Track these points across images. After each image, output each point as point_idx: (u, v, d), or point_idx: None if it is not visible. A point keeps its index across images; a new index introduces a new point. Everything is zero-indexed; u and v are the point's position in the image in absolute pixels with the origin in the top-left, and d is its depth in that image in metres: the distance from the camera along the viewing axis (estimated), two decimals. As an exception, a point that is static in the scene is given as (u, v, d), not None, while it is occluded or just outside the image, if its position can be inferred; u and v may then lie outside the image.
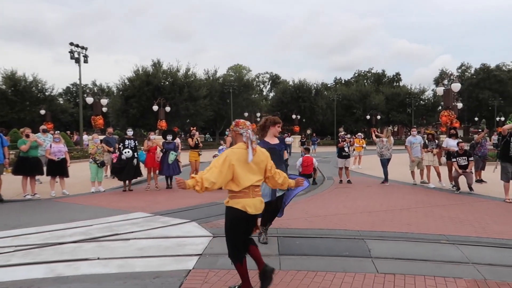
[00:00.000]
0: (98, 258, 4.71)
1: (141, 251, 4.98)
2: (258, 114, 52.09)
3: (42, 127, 12.38)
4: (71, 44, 23.95)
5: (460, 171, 9.99)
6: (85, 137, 28.41)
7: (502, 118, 48.86)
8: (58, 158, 9.93)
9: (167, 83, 39.56)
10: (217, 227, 6.20)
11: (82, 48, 24.65)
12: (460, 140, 11.28)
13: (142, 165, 11.65)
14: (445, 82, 25.70)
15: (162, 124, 31.19)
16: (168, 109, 33.50)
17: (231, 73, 63.52)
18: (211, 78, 48.29)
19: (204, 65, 72.95)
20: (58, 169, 10.03)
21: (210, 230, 6.00)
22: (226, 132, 14.03)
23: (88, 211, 7.79)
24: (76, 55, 24.29)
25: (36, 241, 5.44)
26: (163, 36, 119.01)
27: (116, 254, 4.87)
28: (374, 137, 12.64)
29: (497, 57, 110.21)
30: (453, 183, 10.33)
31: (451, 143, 11.38)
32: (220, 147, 12.23)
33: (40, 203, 9.14)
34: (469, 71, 66.99)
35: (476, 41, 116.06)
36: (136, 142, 10.83)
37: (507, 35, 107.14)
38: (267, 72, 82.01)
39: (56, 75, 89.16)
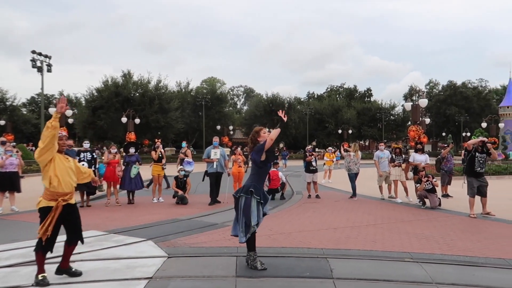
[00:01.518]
0: (33, 285, 4.23)
1: (84, 275, 4.53)
2: (231, 127, 51.87)
3: (1, 138, 11.63)
4: (34, 52, 22.96)
5: (423, 192, 10.00)
6: None
7: (468, 134, 50.73)
8: (7, 170, 9.24)
9: (137, 94, 38.79)
10: (174, 246, 5.81)
11: (46, 56, 23.69)
12: (427, 157, 11.39)
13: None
14: (414, 98, 26.38)
15: (131, 136, 30.34)
16: (137, 121, 32.70)
17: (204, 85, 63.24)
18: (183, 90, 47.82)
19: (180, 78, 72.60)
20: (8, 183, 9.33)
21: (166, 250, 5.60)
22: (183, 144, 13.63)
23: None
24: (38, 64, 23.29)
25: (-33, 265, 4.88)
26: (139, 47, 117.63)
27: (55, 279, 4.40)
28: (342, 151, 12.59)
29: (463, 75, 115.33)
30: (419, 198, 10.33)
31: (417, 158, 11.45)
32: (188, 159, 11.81)
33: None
34: (437, 87, 69.65)
35: (444, 60, 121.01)
36: (93, 154, 10.29)
37: (472, 55, 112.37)
38: (241, 86, 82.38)
39: (23, 85, 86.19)
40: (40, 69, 23.30)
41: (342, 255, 5.33)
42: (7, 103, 43.53)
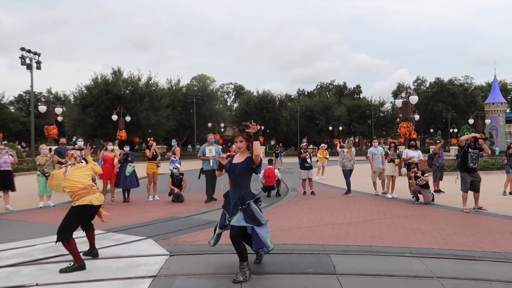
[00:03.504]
0: (37, 284, 4.21)
1: (87, 274, 4.51)
2: (222, 125, 51.75)
3: None
4: (23, 49, 22.58)
5: (417, 187, 10.16)
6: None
7: (455, 130, 51.48)
8: (1, 168, 9.12)
9: (127, 92, 38.41)
10: (175, 244, 5.82)
11: (35, 53, 23.33)
12: (419, 153, 11.54)
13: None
14: (403, 95, 26.66)
15: (122, 134, 30.13)
16: (128, 118, 32.43)
17: (195, 83, 62.93)
18: (174, 87, 47.53)
19: (168, 75, 72.06)
20: (2, 182, 9.21)
21: (167, 248, 5.60)
22: (173, 143, 13.58)
23: (33, 229, 7.13)
24: (27, 61, 22.92)
25: (-34, 266, 4.82)
26: (127, 45, 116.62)
27: (58, 279, 4.38)
28: (337, 148, 12.68)
29: (449, 72, 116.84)
30: (413, 194, 10.48)
31: (411, 154, 11.59)
32: (173, 158, 11.78)
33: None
34: (424, 84, 70.38)
35: (430, 57, 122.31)
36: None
37: (456, 52, 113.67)
38: (231, 83, 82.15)
39: (10, 83, 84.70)
40: (29, 66, 22.94)
41: (343, 251, 5.39)
42: None
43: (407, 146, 12.58)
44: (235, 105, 71.46)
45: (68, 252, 4.80)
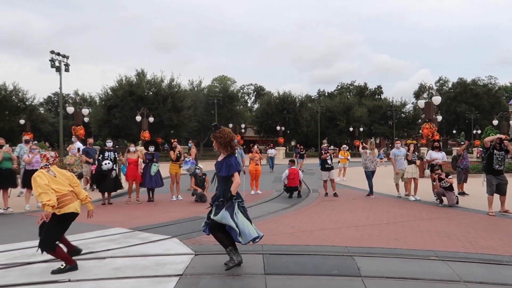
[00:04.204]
0: (69, 280, 4.38)
1: (116, 272, 4.66)
2: (243, 126, 51.99)
3: (25, 137, 11.91)
4: (52, 52, 23.38)
5: (441, 189, 9.99)
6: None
7: (479, 131, 50.09)
8: (33, 167, 9.47)
9: (150, 93, 39.12)
10: (200, 244, 5.92)
11: (64, 56, 24.09)
12: (444, 155, 11.31)
13: (123, 177, 11.30)
14: (425, 95, 26.13)
15: (145, 134, 30.69)
16: (151, 119, 33.01)
17: (216, 84, 63.43)
18: (195, 88, 48.08)
19: (190, 76, 72.97)
20: None
21: (192, 247, 5.71)
22: (189, 144, 13.74)
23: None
24: (57, 64, 23.70)
25: (3, 261, 5.06)
26: (151, 47, 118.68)
27: (90, 275, 4.54)
28: (360, 149, 12.58)
29: (472, 72, 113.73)
30: (436, 196, 10.30)
31: (434, 155, 11.39)
32: (187, 159, 11.94)
33: (12, 217, 8.68)
34: (446, 85, 68.73)
35: (453, 56, 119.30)
36: (116, 154, 10.48)
37: (481, 51, 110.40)
38: (251, 84, 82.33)
39: (40, 85, 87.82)
40: (58, 69, 23.71)
41: (367, 253, 5.38)
42: (27, 103, 44.31)
43: (430, 148, 12.36)
44: (256, 106, 71.64)
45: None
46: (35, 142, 11.33)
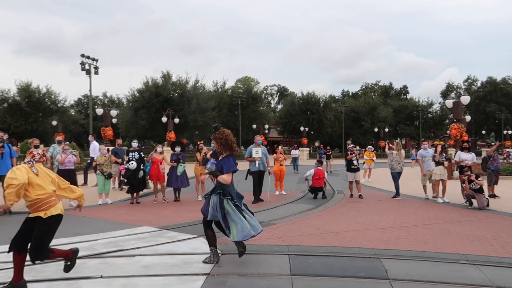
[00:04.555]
0: (101, 277, 4.54)
1: (145, 269, 4.80)
2: (266, 126, 52.04)
3: (58, 138, 12.37)
4: (82, 55, 24.20)
5: (470, 192, 9.72)
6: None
7: (510, 131, 48.26)
8: (66, 167, 9.84)
9: (176, 94, 39.78)
10: (226, 243, 5.99)
11: (93, 59, 24.87)
12: (473, 156, 10.99)
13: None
14: (453, 95, 25.39)
15: (171, 135, 31.22)
16: (177, 120, 33.56)
17: (239, 85, 63.78)
18: (219, 90, 48.49)
19: (214, 77, 73.76)
20: (67, 180, 9.89)
21: (219, 247, 5.78)
22: (212, 144, 13.82)
23: (94, 225, 7.65)
24: (87, 67, 24.51)
25: (40, 257, 5.28)
26: (176, 49, 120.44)
27: (120, 272, 4.69)
28: (387, 150, 12.39)
29: (503, 71, 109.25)
30: (466, 198, 10.03)
31: (463, 156, 11.09)
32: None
33: (46, 215, 9.01)
34: (475, 84, 66.57)
35: (482, 55, 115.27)
36: (141, 153, 10.70)
37: (509, 49, 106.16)
38: (274, 85, 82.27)
39: (70, 87, 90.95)
40: (88, 72, 24.51)
41: (394, 256, 5.31)
42: (59, 105, 45.98)
43: (459, 149, 12.03)
44: (279, 106, 71.57)
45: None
46: (67, 142, 11.72)
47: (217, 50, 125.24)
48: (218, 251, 5.27)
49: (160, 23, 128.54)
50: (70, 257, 4.45)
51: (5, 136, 9.70)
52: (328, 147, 26.15)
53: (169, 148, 13.48)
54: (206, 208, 5.16)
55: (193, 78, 42.92)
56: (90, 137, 13.99)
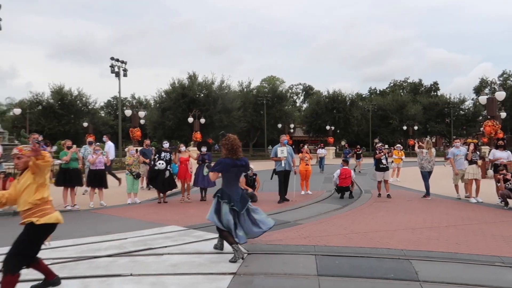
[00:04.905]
0: (131, 275, 4.64)
1: (173, 268, 4.87)
2: (292, 125, 51.80)
3: (89, 139, 12.78)
4: (112, 58, 24.95)
5: (506, 191, 9.33)
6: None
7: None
8: (97, 167, 10.14)
9: (202, 95, 40.26)
10: (252, 243, 6.00)
11: (122, 62, 25.55)
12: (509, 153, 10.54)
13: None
14: (486, 90, 24.40)
15: (197, 135, 31.61)
16: (202, 120, 33.94)
17: (264, 84, 63.79)
18: (245, 90, 48.66)
19: (239, 77, 74.05)
20: (98, 180, 10.23)
21: (245, 246, 5.80)
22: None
23: (124, 223, 7.84)
24: (116, 69, 25.22)
25: (72, 254, 5.46)
26: (202, 50, 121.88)
27: (149, 270, 4.78)
28: (416, 149, 12.07)
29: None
30: (501, 198, 9.63)
31: (498, 155, 10.66)
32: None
33: (79, 214, 9.33)
34: (511, 79, 63.72)
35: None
36: (171, 155, 10.90)
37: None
38: (300, 83, 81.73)
39: (100, 89, 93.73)
40: (117, 74, 25.21)
41: (425, 257, 5.16)
42: (89, 106, 47.56)
43: (494, 146, 11.56)
44: (305, 105, 71.09)
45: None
46: (98, 143, 12.09)
47: (243, 50, 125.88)
48: (243, 249, 5.34)
49: (186, 25, 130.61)
50: (49, 279, 4.03)
51: (40, 138, 10.08)
52: (358, 146, 25.51)
53: (195, 148, 13.64)
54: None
55: (218, 78, 43.25)
56: (105, 138, 14.33)
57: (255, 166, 13.78)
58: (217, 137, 42.76)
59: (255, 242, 6.06)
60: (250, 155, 37.90)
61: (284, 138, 11.08)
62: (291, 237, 6.41)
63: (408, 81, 76.47)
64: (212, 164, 5.95)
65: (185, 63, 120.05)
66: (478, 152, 10.98)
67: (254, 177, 11.29)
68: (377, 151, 11.81)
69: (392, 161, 17.40)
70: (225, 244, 6.01)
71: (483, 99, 22.90)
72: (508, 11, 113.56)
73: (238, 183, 5.77)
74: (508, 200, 9.36)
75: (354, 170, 17.12)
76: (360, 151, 23.65)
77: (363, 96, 70.03)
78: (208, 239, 6.38)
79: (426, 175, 11.30)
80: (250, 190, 10.95)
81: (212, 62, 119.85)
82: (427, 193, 11.22)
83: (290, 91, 75.01)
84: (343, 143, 50.94)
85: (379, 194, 11.47)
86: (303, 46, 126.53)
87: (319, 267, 4.79)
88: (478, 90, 57.33)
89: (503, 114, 30.98)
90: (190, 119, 33.17)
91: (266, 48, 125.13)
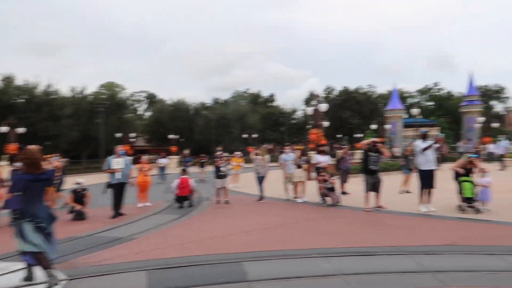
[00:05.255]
0: None
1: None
2: (134, 134, 49.41)
3: None
4: None
5: (325, 191, 10.72)
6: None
7: (361, 135, 55.94)
8: None
9: (21, 100, 34.68)
10: (75, 267, 5.24)
11: None
12: (330, 158, 12.17)
13: None
14: (314, 102, 28.12)
15: (11, 147, 26.79)
16: (22, 130, 29.18)
17: (103, 90, 59.22)
18: (78, 96, 44.12)
19: (75, 83, 66.30)
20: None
21: (65, 272, 5.00)
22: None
23: None
24: None
25: None
26: (27, 49, 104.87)
27: None
28: (251, 155, 12.83)
29: (356, 81, 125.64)
30: (321, 196, 10.99)
31: (320, 159, 12.15)
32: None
33: None
34: (333, 93, 75.25)
35: (340, 67, 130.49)
36: None
37: (363, 62, 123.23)
38: (142, 91, 79.01)
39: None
40: None
41: (254, 257, 5.38)
42: None
43: (317, 152, 13.18)
44: (147, 114, 68.96)
45: None
46: None
47: (79, 53, 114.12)
48: (60, 275, 4.69)
49: (5, 18, 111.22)
50: None
51: None
52: (202, 155, 25.98)
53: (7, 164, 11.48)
54: None
55: (45, 82, 37.95)
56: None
57: (88, 179, 12.47)
58: (45, 148, 37.39)
59: (79, 266, 5.32)
60: (83, 168, 34.37)
61: (120, 148, 10.32)
62: (122, 254, 5.88)
63: (249, 92, 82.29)
64: None
65: (4, 64, 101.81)
66: (305, 157, 12.32)
67: (83, 192, 10.11)
68: (217, 159, 12.09)
69: (232, 168, 18.18)
70: (38, 273, 5.09)
71: (309, 110, 26.16)
72: (333, 35, 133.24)
73: (42, 199, 4.91)
74: (327, 198, 10.73)
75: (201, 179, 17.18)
76: (204, 160, 24.14)
77: (207, 105, 72.09)
78: (13, 271, 5.28)
79: (260, 180, 12.09)
80: (78, 207, 9.75)
81: (42, 63, 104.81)
82: (261, 197, 12.00)
83: (131, 98, 71.67)
84: (186, 152, 51.20)
85: (218, 201, 11.72)
86: (148, 53, 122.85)
87: (150, 282, 4.48)
88: (307, 102, 65.71)
89: (326, 123, 36.10)
90: (4, 128, 28.00)
91: (108, 53, 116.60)
